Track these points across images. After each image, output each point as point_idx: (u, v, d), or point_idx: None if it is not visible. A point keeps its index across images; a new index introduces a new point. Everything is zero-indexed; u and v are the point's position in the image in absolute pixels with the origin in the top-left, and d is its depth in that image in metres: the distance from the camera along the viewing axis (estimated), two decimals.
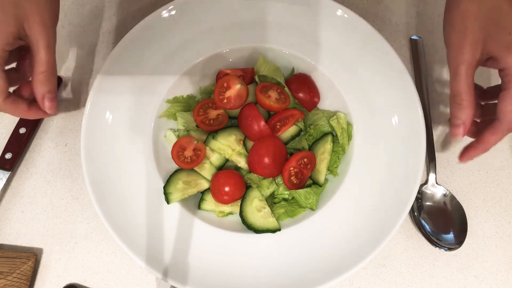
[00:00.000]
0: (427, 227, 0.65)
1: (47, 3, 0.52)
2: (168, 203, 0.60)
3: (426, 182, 0.67)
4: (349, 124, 0.64)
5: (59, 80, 0.73)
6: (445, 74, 0.74)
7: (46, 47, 0.51)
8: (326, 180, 0.65)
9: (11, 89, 0.54)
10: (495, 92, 0.54)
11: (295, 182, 0.61)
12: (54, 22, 0.54)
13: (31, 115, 0.55)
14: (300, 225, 0.60)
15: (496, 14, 0.49)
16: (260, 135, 0.62)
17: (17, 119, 0.70)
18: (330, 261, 0.57)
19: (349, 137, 0.64)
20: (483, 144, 0.53)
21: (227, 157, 0.63)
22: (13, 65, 0.57)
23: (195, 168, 0.63)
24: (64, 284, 0.63)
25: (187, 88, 0.68)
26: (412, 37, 0.75)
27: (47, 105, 0.53)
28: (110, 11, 0.78)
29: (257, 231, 0.60)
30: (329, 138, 0.64)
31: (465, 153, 0.54)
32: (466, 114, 0.51)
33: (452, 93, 0.52)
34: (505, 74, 0.50)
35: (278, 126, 0.63)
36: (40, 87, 0.52)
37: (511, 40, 0.48)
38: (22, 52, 0.55)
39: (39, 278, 0.64)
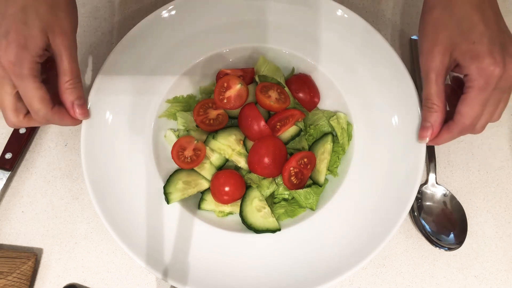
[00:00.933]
0: (427, 227, 0.65)
1: (66, 12, 0.53)
2: (168, 203, 0.60)
3: (426, 182, 0.67)
4: (349, 124, 0.64)
5: None
6: None
7: (69, 57, 0.53)
8: (326, 180, 0.65)
9: None
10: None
11: (295, 182, 0.61)
12: (73, 30, 0.55)
13: (76, 122, 0.57)
14: (300, 225, 0.60)
15: (465, 24, 0.52)
16: (260, 135, 0.62)
17: None
18: (330, 261, 0.57)
19: (349, 137, 0.64)
20: (437, 139, 0.57)
21: (227, 157, 0.63)
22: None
23: (195, 168, 0.63)
24: (64, 284, 0.63)
25: (187, 88, 0.68)
26: (412, 37, 0.75)
27: (78, 112, 0.55)
28: (110, 11, 0.78)
29: (257, 231, 0.60)
30: (329, 138, 0.64)
31: (420, 138, 0.58)
32: (435, 117, 0.55)
33: (423, 97, 0.56)
34: (467, 80, 0.53)
35: (278, 126, 0.63)
36: (68, 96, 0.54)
37: (474, 49, 0.51)
38: (48, 63, 0.55)
39: (39, 278, 0.64)
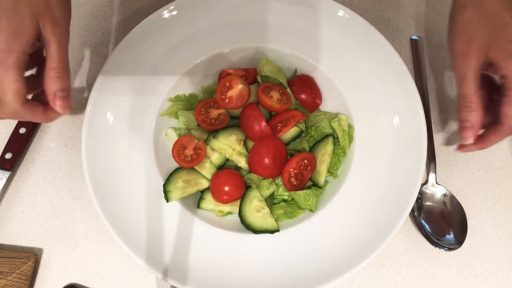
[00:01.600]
0: (427, 227, 0.65)
1: (58, 1, 0.51)
2: (167, 201, 0.60)
3: (426, 182, 0.67)
4: (350, 127, 0.64)
5: None
6: (445, 74, 0.74)
7: (58, 43, 0.50)
8: (326, 182, 0.65)
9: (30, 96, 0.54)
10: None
11: (295, 183, 0.61)
12: (65, 19, 0.53)
13: (48, 118, 0.53)
14: (299, 226, 0.60)
15: (498, 23, 0.52)
16: (261, 136, 0.62)
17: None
18: (330, 261, 0.57)
19: (350, 139, 0.64)
20: (484, 143, 0.55)
21: (227, 156, 0.63)
22: (33, 71, 0.57)
23: (195, 167, 0.63)
24: (64, 284, 0.63)
25: (189, 87, 0.68)
26: (412, 37, 0.76)
27: (58, 103, 0.51)
28: (110, 11, 0.78)
29: (256, 231, 0.60)
30: (330, 140, 0.64)
31: (464, 146, 0.57)
32: (475, 116, 0.53)
33: (460, 97, 0.54)
34: (507, 82, 0.52)
35: (279, 127, 0.63)
36: (52, 84, 0.50)
37: (511, 49, 0.51)
38: (41, 57, 0.54)
39: (39, 278, 0.63)
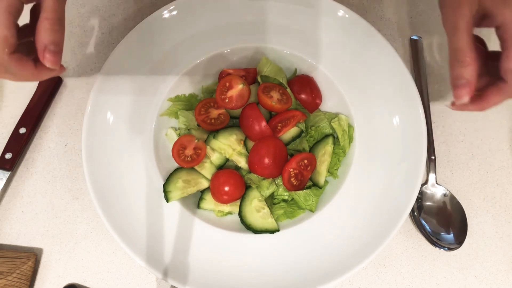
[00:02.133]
0: (427, 227, 0.65)
1: None
2: (167, 201, 0.60)
3: (426, 182, 0.67)
4: (350, 127, 0.64)
5: (59, 80, 0.73)
6: (445, 74, 0.74)
7: None
8: (326, 182, 0.65)
9: None
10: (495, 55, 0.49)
11: (294, 183, 0.61)
12: None
13: (37, 75, 0.48)
14: (299, 226, 0.60)
15: None
16: (261, 136, 0.62)
17: (17, 119, 0.70)
18: (329, 261, 0.57)
19: (350, 139, 0.64)
20: (483, 103, 0.48)
21: (227, 156, 0.63)
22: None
23: (195, 167, 0.63)
24: (64, 284, 0.63)
25: (189, 87, 0.68)
26: (412, 37, 0.76)
27: (47, 57, 0.45)
28: (110, 11, 0.78)
29: (256, 231, 0.60)
30: (330, 140, 0.64)
31: (457, 97, 0.48)
32: (470, 71, 0.46)
33: (452, 50, 0.48)
34: (504, 31, 0.46)
35: (279, 127, 0.63)
36: (43, 36, 0.45)
37: None
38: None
39: (39, 278, 0.63)
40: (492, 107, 0.48)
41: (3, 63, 0.45)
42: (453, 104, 0.49)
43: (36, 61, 0.47)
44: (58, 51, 0.47)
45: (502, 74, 0.46)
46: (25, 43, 0.48)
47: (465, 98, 0.47)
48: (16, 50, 0.45)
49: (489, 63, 0.50)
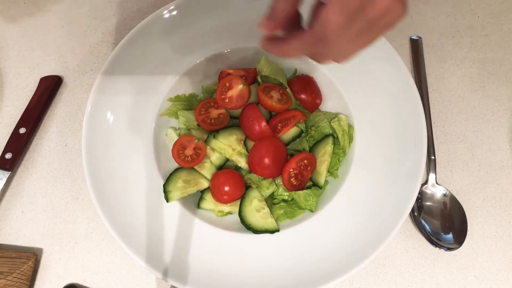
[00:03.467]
0: (427, 227, 0.65)
1: None
2: (167, 201, 0.60)
3: (426, 182, 0.67)
4: (350, 127, 0.64)
5: (59, 80, 0.73)
6: (446, 74, 0.74)
7: None
8: (326, 182, 0.65)
9: None
10: None
11: (294, 183, 0.61)
12: None
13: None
14: (299, 226, 0.60)
15: None
16: (261, 136, 0.62)
17: (17, 119, 0.70)
18: (330, 261, 0.57)
19: (350, 139, 0.64)
20: (284, 44, 0.44)
21: (227, 156, 0.63)
22: None
23: (195, 167, 0.63)
24: (64, 284, 0.63)
25: (189, 87, 0.68)
26: (412, 37, 0.76)
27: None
28: (110, 11, 0.78)
29: (256, 231, 0.60)
30: (330, 140, 0.64)
31: (261, 26, 0.43)
32: (281, 4, 0.42)
33: None
34: None
35: (279, 127, 0.63)
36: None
37: None
38: None
39: (39, 278, 0.63)
40: (293, 55, 0.44)
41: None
42: (263, 42, 0.45)
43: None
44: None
45: (311, 19, 0.41)
46: None
47: (264, 28, 0.43)
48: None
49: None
